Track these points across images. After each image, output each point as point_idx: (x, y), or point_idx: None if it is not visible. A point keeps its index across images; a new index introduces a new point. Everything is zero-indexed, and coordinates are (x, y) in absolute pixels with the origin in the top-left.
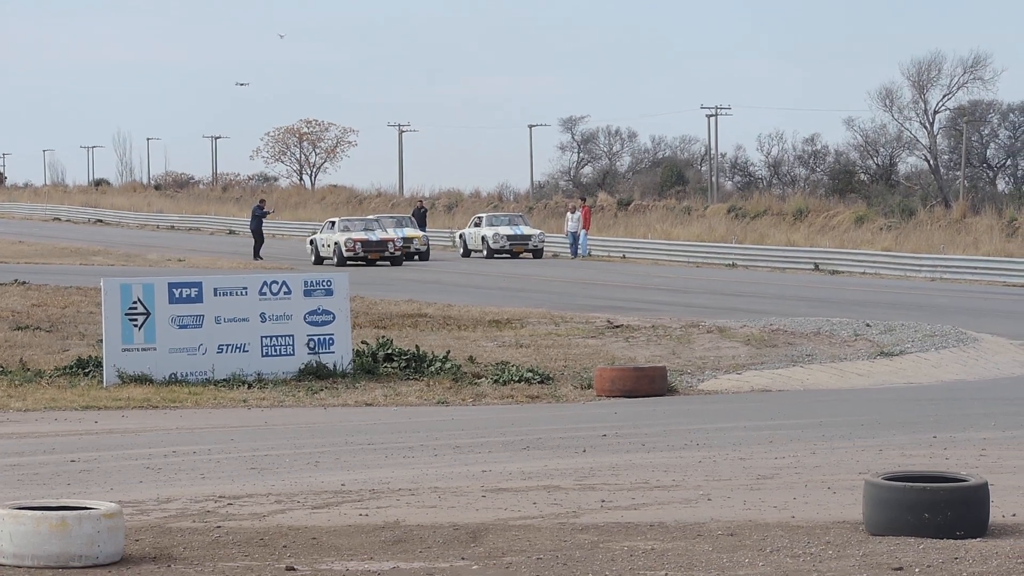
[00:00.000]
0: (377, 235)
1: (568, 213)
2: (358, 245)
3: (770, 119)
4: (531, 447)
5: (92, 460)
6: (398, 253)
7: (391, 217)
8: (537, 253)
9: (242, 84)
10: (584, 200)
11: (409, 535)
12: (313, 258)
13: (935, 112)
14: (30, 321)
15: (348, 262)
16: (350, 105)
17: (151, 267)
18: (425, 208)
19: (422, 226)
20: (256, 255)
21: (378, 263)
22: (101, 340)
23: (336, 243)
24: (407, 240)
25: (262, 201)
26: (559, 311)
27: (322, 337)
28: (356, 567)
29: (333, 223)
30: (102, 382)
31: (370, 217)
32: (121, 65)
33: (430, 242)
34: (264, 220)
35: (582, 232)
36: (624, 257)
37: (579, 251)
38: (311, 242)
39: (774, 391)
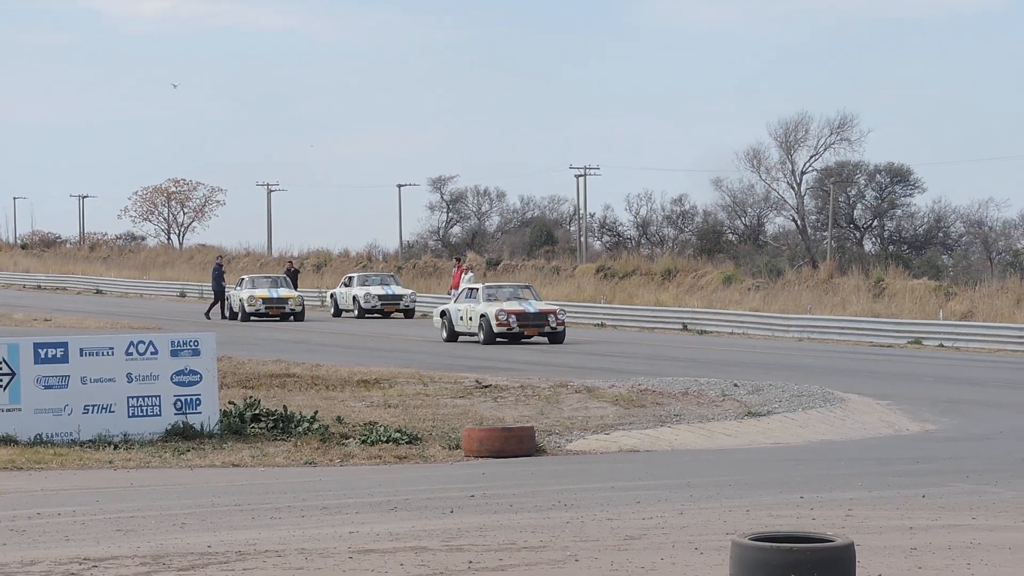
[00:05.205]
0: (534, 306)
1: (465, 274)
2: (512, 318)
3: (638, 179)
4: (399, 508)
5: None
6: (560, 328)
7: (266, 277)
8: (408, 313)
9: None
10: (459, 261)
11: None
12: (445, 333)
13: (802, 173)
14: None
15: (498, 339)
16: (218, 164)
17: (17, 327)
18: (296, 268)
19: (294, 286)
20: (213, 314)
21: (530, 341)
22: None
23: (484, 315)
24: (282, 300)
25: (220, 258)
26: (428, 371)
27: (189, 397)
28: None
29: (472, 289)
30: None
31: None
32: None
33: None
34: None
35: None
36: None
37: None
38: (442, 313)
39: (642, 451)
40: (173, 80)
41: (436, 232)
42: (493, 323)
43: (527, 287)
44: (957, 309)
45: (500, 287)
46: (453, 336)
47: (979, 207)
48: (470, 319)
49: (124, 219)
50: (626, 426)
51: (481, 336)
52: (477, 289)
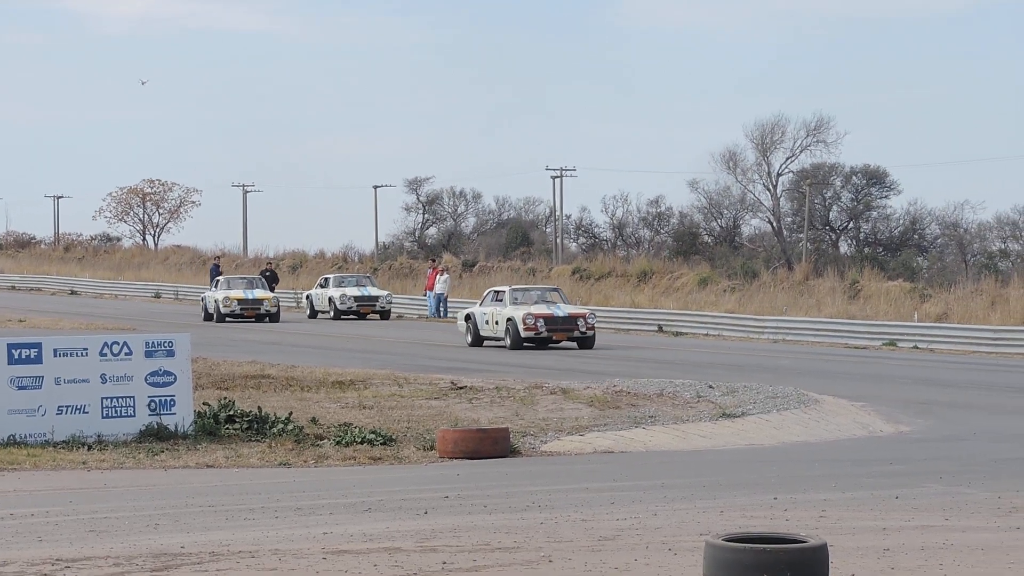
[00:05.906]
0: (563, 309)
1: (441, 275)
2: (540, 322)
3: (615, 181)
4: (373, 509)
5: None
6: (590, 332)
7: (241, 278)
8: (384, 314)
9: None
10: (435, 262)
11: None
12: (470, 338)
13: (778, 174)
14: None
15: (525, 344)
16: (193, 165)
17: None
18: (273, 270)
19: (271, 287)
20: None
21: (557, 346)
22: None
23: (511, 319)
24: (257, 302)
25: (218, 258)
26: (403, 372)
27: (163, 398)
28: None
29: (498, 292)
30: None
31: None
32: None
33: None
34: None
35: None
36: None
37: (439, 313)
38: (467, 317)
39: (617, 452)
40: (143, 78)
41: (412, 233)
42: (520, 327)
43: (555, 289)
44: (932, 311)
45: (527, 290)
46: (478, 341)
47: (954, 209)
48: (496, 323)
49: (99, 220)
50: (601, 427)
51: (508, 341)
52: (504, 292)
